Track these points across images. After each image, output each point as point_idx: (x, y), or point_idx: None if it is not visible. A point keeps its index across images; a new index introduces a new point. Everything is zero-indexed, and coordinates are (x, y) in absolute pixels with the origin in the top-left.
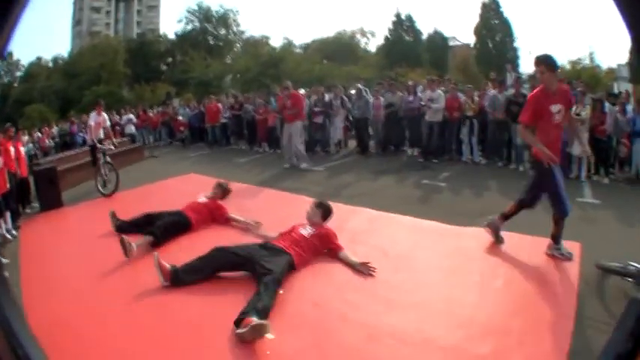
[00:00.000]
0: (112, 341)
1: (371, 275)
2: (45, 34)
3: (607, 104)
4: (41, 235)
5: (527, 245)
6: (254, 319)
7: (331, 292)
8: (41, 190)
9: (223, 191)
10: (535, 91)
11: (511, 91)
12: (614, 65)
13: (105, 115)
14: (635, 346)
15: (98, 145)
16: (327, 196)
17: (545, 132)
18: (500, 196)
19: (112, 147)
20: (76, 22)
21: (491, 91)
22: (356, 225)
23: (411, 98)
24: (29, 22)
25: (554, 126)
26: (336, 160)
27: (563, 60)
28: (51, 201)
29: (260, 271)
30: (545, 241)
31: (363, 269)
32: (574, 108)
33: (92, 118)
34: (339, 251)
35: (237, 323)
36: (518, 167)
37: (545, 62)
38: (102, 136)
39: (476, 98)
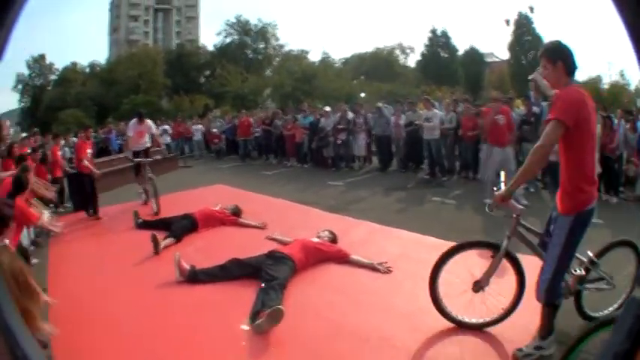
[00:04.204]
0: (118, 317)
1: (388, 272)
2: (79, 40)
3: (618, 121)
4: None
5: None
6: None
7: (313, 291)
8: (74, 192)
9: (236, 212)
10: None
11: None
12: None
13: (149, 122)
14: (633, 345)
15: (135, 160)
16: (337, 209)
17: None
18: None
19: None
20: (113, 29)
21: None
22: (354, 236)
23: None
24: (64, 26)
25: None
26: (356, 176)
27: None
28: (84, 202)
29: (265, 278)
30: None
31: (380, 267)
32: None
33: (131, 129)
34: (349, 256)
35: (253, 318)
36: (529, 188)
37: None
38: (148, 144)
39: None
